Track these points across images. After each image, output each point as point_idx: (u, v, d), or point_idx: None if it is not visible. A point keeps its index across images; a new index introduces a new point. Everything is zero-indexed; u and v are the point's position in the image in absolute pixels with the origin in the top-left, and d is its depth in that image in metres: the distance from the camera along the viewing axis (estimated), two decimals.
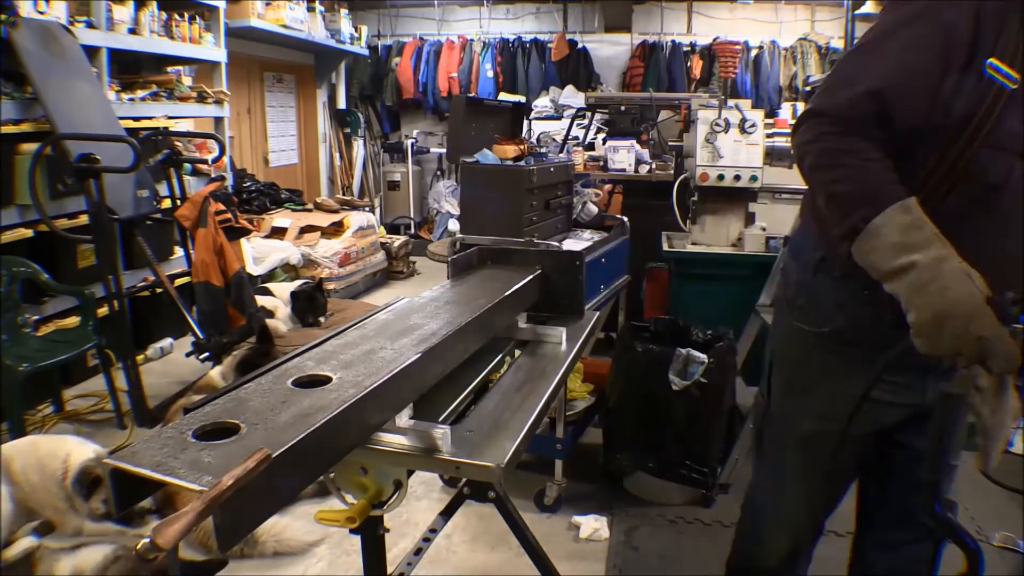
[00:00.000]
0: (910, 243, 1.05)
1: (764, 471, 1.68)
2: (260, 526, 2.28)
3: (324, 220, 5.66)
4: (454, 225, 6.63)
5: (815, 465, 1.44)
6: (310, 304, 4.25)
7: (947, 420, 1.33)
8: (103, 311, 3.21)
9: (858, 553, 1.68)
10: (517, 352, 1.61)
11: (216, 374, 2.94)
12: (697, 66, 7.63)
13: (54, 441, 2.29)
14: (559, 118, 7.04)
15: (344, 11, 7.35)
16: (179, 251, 4.06)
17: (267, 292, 4.31)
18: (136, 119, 4.00)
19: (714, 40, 7.61)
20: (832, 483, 1.52)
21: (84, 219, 3.29)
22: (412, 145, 8.03)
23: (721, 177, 3.04)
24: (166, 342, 4.12)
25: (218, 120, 4.94)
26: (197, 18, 4.71)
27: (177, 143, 4.11)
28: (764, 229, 3.16)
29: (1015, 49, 1.08)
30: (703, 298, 3.12)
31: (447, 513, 1.93)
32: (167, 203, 3.77)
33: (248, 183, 6.00)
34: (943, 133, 1.13)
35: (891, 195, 1.09)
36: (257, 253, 4.88)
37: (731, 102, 3.10)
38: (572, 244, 2.97)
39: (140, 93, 4.16)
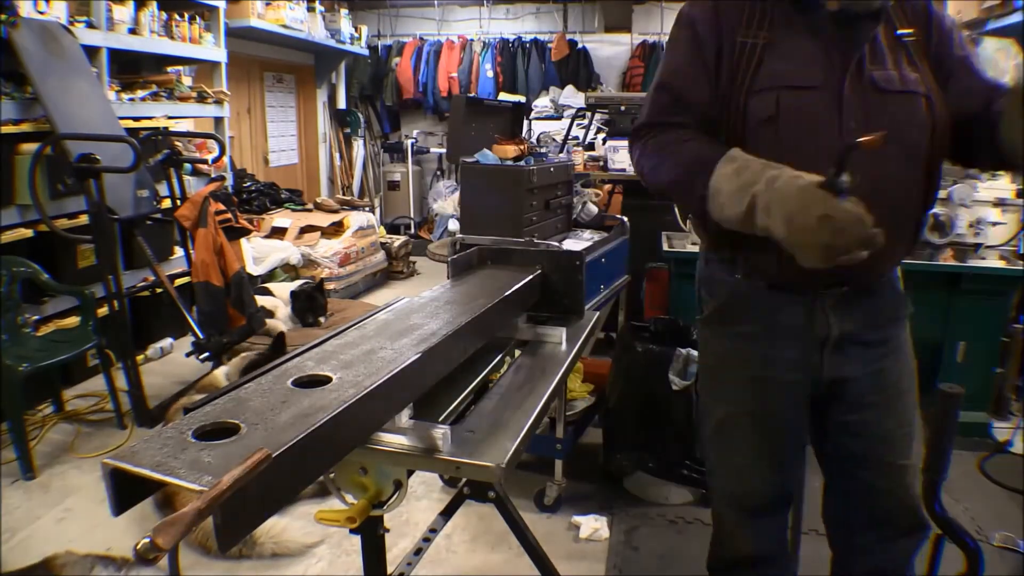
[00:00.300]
0: (745, 183, 1.15)
1: (707, 465, 1.69)
2: (259, 527, 2.28)
3: (324, 220, 5.67)
4: (454, 225, 6.62)
5: (737, 446, 1.50)
6: (310, 304, 4.26)
7: (946, 420, 1.33)
8: (103, 311, 3.20)
9: (834, 556, 1.68)
10: (517, 352, 1.61)
11: (220, 374, 2.95)
12: None
13: None
14: (559, 118, 7.04)
15: (344, 11, 7.35)
16: (179, 251, 4.06)
17: (267, 292, 4.32)
18: (136, 119, 4.00)
19: None
20: (765, 458, 1.51)
21: (84, 219, 3.29)
22: (412, 145, 8.03)
23: None
24: (166, 342, 4.12)
25: (218, 120, 4.94)
26: (197, 18, 4.70)
27: (177, 143, 4.11)
28: None
29: (760, 20, 1.29)
30: None
31: (447, 513, 1.93)
32: (167, 203, 3.77)
33: (248, 183, 6.00)
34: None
35: (714, 155, 1.22)
36: (257, 253, 4.88)
37: None
38: (572, 244, 2.97)
39: (140, 93, 4.16)
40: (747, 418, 1.46)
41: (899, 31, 1.32)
